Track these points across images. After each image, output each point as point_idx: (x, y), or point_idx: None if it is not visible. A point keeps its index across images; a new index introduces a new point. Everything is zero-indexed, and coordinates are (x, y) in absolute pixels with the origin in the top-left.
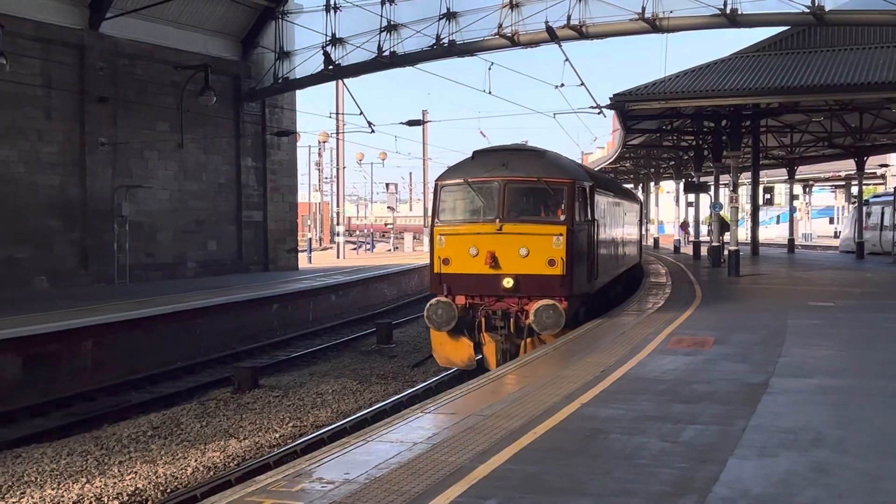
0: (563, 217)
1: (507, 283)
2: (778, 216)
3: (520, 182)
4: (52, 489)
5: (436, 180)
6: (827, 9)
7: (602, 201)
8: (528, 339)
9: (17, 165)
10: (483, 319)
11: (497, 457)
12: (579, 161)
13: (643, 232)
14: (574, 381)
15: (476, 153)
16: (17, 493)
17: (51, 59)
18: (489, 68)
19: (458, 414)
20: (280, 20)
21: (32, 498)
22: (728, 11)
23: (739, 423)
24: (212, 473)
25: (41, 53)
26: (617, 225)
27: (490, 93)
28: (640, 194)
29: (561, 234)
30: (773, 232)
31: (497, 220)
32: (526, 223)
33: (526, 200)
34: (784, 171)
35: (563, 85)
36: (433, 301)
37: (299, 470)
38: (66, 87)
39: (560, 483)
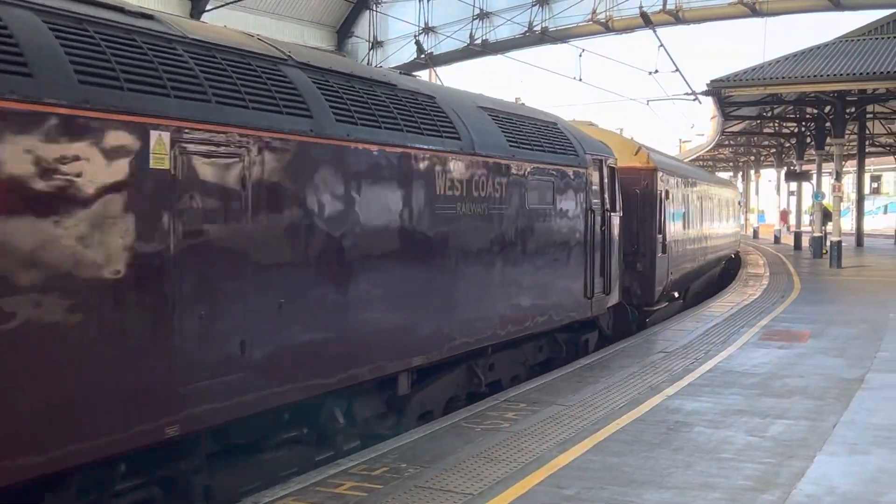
0: None
1: None
2: (885, 206)
3: None
4: None
5: None
6: None
7: None
8: None
9: None
10: None
11: (578, 446)
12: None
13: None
14: (660, 373)
15: None
16: None
17: None
18: (580, 55)
19: (541, 403)
20: (374, 10)
21: None
22: None
23: (831, 418)
24: None
25: None
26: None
27: (581, 80)
28: (738, 183)
29: None
30: (879, 222)
31: None
32: None
33: None
34: (892, 158)
35: (657, 71)
36: None
37: (380, 456)
38: None
39: (641, 475)
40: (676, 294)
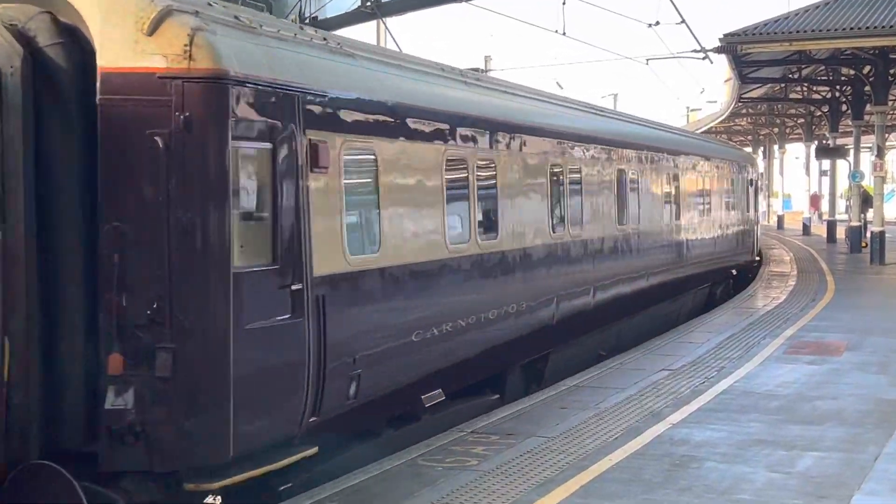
0: None
1: None
2: None
3: None
4: None
5: None
6: None
7: None
8: None
9: None
10: None
11: (562, 488)
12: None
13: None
14: (663, 396)
15: None
16: None
17: None
18: (563, 3)
19: (517, 435)
20: None
21: None
22: None
23: (870, 449)
24: None
25: None
26: None
27: (564, 34)
28: (759, 161)
29: None
30: None
31: None
32: None
33: None
34: None
35: (657, 23)
36: None
37: (318, 502)
38: None
39: None
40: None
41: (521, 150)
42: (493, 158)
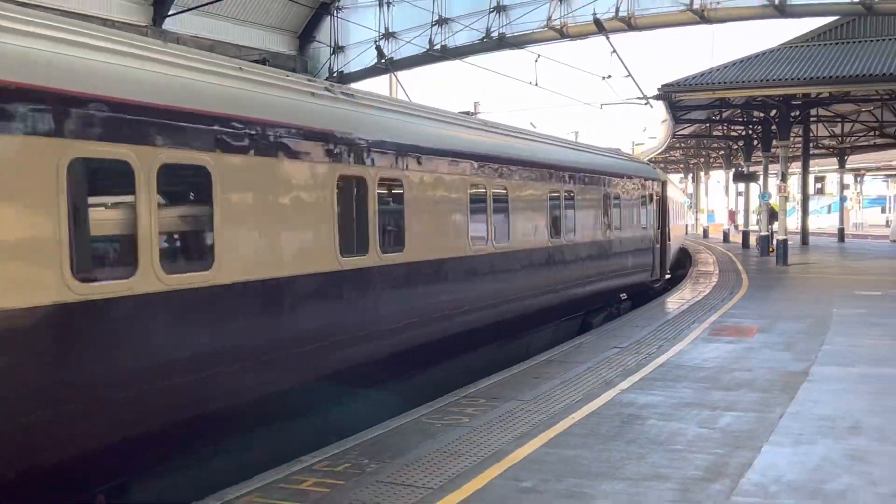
0: None
1: None
2: (829, 205)
3: None
4: None
5: None
6: None
7: None
8: None
9: None
10: None
11: (535, 440)
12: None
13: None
14: (614, 368)
15: None
16: None
17: None
18: (536, 60)
19: (500, 398)
20: (335, 16)
21: None
22: (777, 2)
23: (777, 410)
24: None
25: None
26: None
27: (537, 85)
28: (689, 184)
29: None
30: (824, 221)
31: None
32: None
33: None
34: (836, 160)
35: (609, 76)
36: None
37: (343, 452)
38: None
39: (596, 467)
40: None
41: None
42: None
